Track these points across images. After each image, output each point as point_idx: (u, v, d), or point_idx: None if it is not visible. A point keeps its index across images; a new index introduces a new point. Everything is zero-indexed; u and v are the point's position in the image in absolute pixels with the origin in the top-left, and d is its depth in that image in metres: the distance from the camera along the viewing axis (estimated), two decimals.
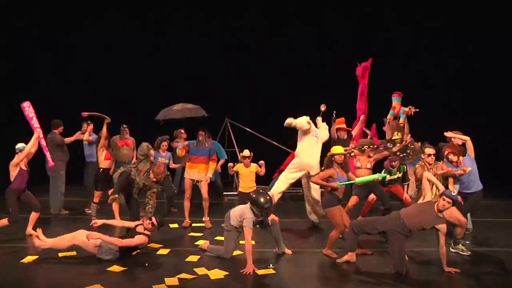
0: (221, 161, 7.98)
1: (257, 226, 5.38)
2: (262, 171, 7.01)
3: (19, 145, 6.17)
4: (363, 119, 8.26)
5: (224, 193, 9.30)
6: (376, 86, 11.27)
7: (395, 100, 7.43)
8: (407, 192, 6.98)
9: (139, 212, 6.50)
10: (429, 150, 5.90)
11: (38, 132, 6.30)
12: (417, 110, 7.07)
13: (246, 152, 7.02)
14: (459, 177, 5.77)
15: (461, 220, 5.52)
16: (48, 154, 6.54)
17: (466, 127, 6.21)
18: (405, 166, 6.84)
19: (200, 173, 7.03)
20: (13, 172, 6.07)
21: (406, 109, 7.11)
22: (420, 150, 6.59)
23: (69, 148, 8.07)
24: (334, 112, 7.58)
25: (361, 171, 6.38)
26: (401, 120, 7.17)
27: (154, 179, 6.29)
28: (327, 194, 5.55)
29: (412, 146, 6.92)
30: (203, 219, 7.06)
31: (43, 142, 6.42)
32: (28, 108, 6.42)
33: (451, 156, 5.71)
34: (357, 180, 5.68)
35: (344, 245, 5.76)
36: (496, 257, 5.60)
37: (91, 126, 7.85)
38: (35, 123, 6.37)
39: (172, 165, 8.06)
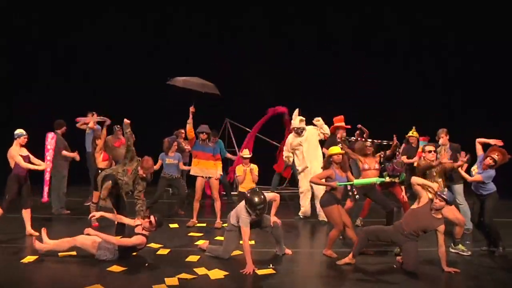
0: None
1: (257, 228, 5.36)
2: (254, 178, 7.12)
3: (18, 131, 6.08)
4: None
5: (223, 193, 9.28)
6: (376, 86, 11.33)
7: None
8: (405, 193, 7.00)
9: (127, 213, 6.44)
10: (429, 147, 5.91)
11: (48, 165, 6.24)
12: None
13: (246, 153, 7.03)
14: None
15: (460, 219, 5.57)
16: (46, 188, 6.39)
17: (466, 127, 6.20)
18: (404, 174, 6.87)
19: (206, 169, 6.97)
20: (12, 160, 6.01)
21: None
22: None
23: (73, 149, 8.06)
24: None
25: (370, 172, 6.37)
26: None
27: (144, 174, 6.24)
28: (326, 193, 5.56)
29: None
30: (216, 221, 6.95)
31: (47, 176, 6.32)
32: (50, 140, 6.43)
33: (496, 156, 5.63)
34: (355, 181, 5.62)
35: (343, 245, 5.77)
36: (496, 257, 5.61)
37: (95, 116, 7.84)
38: (49, 155, 6.35)
39: (182, 167, 7.90)
